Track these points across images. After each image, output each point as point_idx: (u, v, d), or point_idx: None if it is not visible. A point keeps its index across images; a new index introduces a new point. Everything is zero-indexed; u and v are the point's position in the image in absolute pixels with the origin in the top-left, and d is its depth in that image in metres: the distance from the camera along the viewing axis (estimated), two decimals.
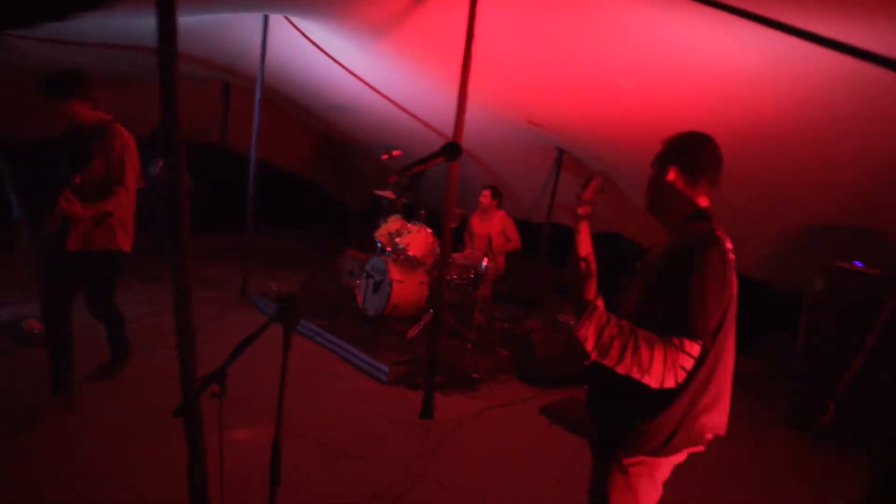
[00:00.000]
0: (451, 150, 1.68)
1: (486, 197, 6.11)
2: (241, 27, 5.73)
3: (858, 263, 4.66)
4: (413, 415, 4.05)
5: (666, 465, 1.78)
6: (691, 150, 1.81)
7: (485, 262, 5.62)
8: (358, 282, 5.89)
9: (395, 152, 5.63)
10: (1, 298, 5.22)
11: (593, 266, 1.77)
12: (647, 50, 3.84)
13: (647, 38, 3.70)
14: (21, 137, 6.03)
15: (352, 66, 6.09)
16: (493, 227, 6.07)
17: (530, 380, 4.89)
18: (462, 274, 5.66)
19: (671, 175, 1.80)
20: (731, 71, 3.57)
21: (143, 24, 5.07)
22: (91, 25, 5.02)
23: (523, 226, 6.75)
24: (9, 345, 4.38)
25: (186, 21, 5.27)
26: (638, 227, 7.01)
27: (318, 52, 5.96)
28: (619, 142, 5.36)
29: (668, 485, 1.85)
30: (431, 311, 5.40)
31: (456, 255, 5.87)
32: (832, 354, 4.44)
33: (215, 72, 7.42)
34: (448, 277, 5.57)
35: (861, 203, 4.50)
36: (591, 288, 1.74)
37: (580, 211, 1.80)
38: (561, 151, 6.73)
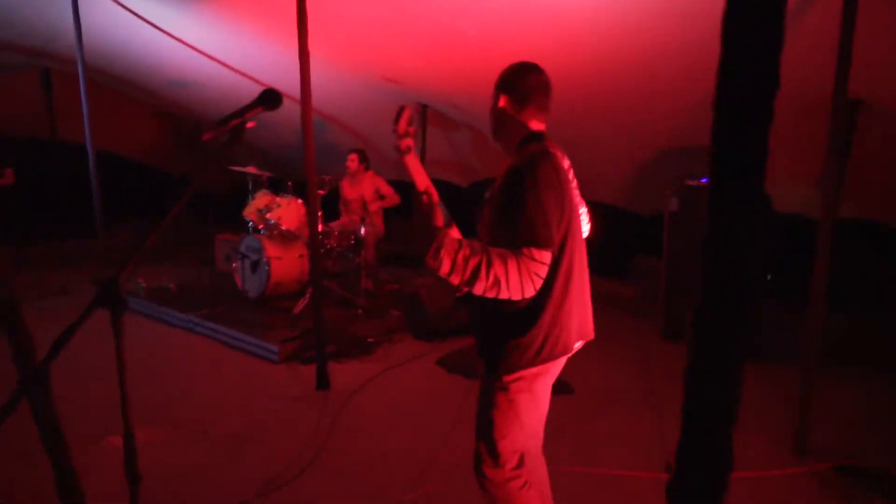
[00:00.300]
0: (270, 97, 1.55)
1: (353, 161, 5.97)
2: (49, 2, 5.10)
3: (705, 180, 5.08)
4: (309, 388, 3.95)
5: (542, 379, 1.87)
6: (517, 78, 1.93)
7: (363, 227, 5.52)
8: (235, 264, 5.59)
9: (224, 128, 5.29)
10: None
11: (435, 197, 1.79)
12: None
13: None
14: None
15: (185, 37, 5.64)
16: (364, 190, 5.96)
17: (424, 336, 4.93)
18: (342, 241, 5.53)
19: (502, 101, 1.93)
20: (575, 10, 3.67)
21: None
22: None
23: (396, 185, 6.69)
24: None
25: None
26: None
27: (144, 24, 5.45)
28: (476, 91, 5.42)
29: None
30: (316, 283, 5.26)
31: (333, 224, 5.72)
32: (690, 267, 4.85)
33: (29, 57, 6.60)
34: (329, 246, 5.44)
35: (701, 123, 4.89)
36: (438, 217, 1.77)
37: (402, 145, 1.76)
38: (424, 106, 6.69)
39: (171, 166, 8.86)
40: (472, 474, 1.96)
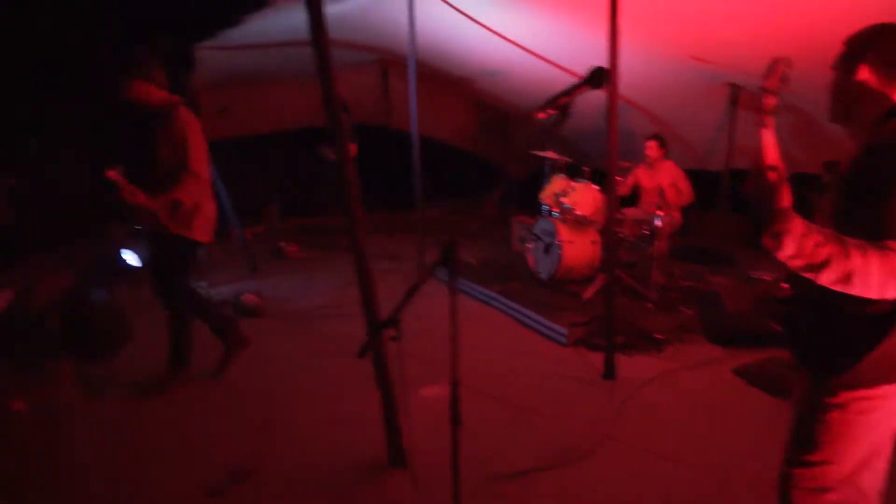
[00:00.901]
0: (597, 76, 1.55)
1: (652, 148, 5.74)
2: (387, 7, 5.92)
3: None
4: (595, 375, 3.99)
5: (893, 402, 1.58)
6: (886, 42, 1.59)
7: (659, 216, 5.30)
8: (529, 245, 5.89)
9: (551, 110, 5.47)
10: (225, 279, 6.02)
11: (784, 174, 1.55)
12: None
13: None
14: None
15: (500, 29, 6.03)
16: (662, 179, 5.70)
17: (719, 340, 4.55)
18: (635, 230, 5.41)
19: (863, 73, 1.61)
20: None
21: (299, 19, 5.47)
22: (260, 27, 5.49)
23: (697, 175, 6.25)
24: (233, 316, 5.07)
25: (338, 9, 5.60)
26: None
27: (465, 19, 5.98)
28: (810, 65, 4.72)
29: None
30: (609, 270, 5.26)
31: (627, 211, 5.61)
32: None
33: (371, 55, 7.78)
34: (622, 235, 5.37)
35: None
36: (785, 196, 1.50)
37: (766, 103, 1.53)
38: (735, 87, 6.10)
39: (480, 149, 9.69)
40: (774, 499, 1.78)
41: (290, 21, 5.44)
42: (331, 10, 5.56)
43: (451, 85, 8.16)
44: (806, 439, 1.68)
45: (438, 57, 6.86)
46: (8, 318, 4.24)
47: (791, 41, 4.39)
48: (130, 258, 5.82)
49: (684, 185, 5.69)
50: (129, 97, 3.25)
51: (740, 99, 6.06)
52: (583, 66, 6.09)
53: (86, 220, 6.20)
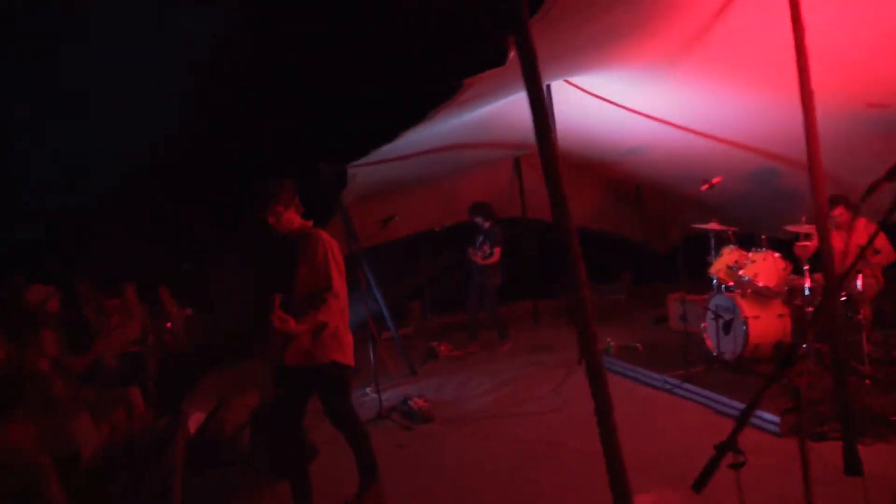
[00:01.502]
0: None
1: (841, 215, 5.17)
2: (517, 103, 6.02)
3: None
4: (832, 471, 3.40)
5: None
6: None
7: (859, 280, 4.71)
8: (703, 324, 5.43)
9: (715, 180, 5.17)
10: (386, 383, 6.01)
11: None
12: None
13: None
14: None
15: (639, 106, 5.93)
16: (858, 238, 5.08)
17: None
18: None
19: None
20: None
21: (443, 127, 5.66)
22: (406, 139, 5.74)
23: (889, 230, 5.56)
24: (401, 421, 4.99)
25: (478, 114, 5.76)
26: None
27: (603, 102, 5.96)
28: None
29: None
30: (805, 345, 4.69)
31: (817, 276, 5.05)
32: None
33: (504, 151, 7.92)
34: (817, 302, 4.80)
35: None
36: None
37: None
38: None
39: (616, 229, 9.42)
40: None
41: (431, 130, 5.68)
42: (469, 116, 5.76)
43: (583, 167, 8.07)
44: None
45: (574, 142, 6.84)
46: (201, 439, 4.40)
47: None
48: None
49: (882, 244, 5.05)
50: (271, 224, 3.35)
51: None
52: (728, 130, 5.82)
53: (249, 340, 6.54)
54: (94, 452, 3.70)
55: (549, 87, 5.74)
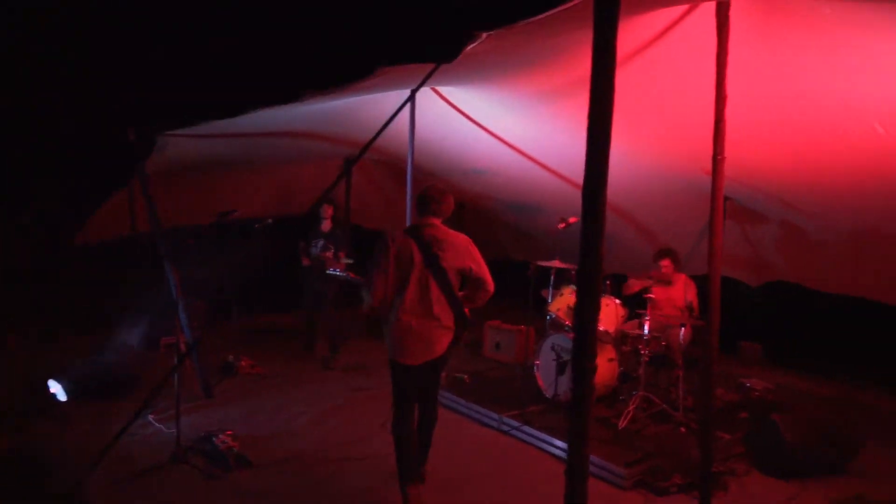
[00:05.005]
0: None
1: (667, 267, 5.51)
2: (379, 103, 5.49)
3: None
4: None
5: None
6: None
7: (682, 331, 5.04)
8: (536, 363, 5.37)
9: (572, 219, 5.15)
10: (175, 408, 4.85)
11: None
12: None
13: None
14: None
15: (499, 130, 5.77)
16: (678, 291, 5.47)
17: (776, 472, 4.22)
18: (654, 347, 5.08)
19: None
20: None
21: (293, 112, 4.88)
22: (249, 119, 4.81)
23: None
24: (206, 466, 3.98)
25: (332, 104, 5.06)
26: (820, 274, 6.32)
27: (461, 117, 5.68)
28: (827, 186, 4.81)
29: None
30: (639, 393, 4.85)
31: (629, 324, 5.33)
32: None
33: (342, 148, 7.22)
34: (641, 350, 5.00)
35: None
36: None
37: None
38: (725, 199, 6.16)
39: None
40: None
41: (275, 114, 4.81)
42: (325, 105, 4.99)
43: (423, 178, 7.69)
44: None
45: (425, 152, 6.42)
46: None
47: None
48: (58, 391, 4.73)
49: (695, 297, 5.50)
50: None
51: (728, 210, 6.09)
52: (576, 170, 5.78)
53: None
54: None
55: (413, 93, 5.26)
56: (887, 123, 3.75)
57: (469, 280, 3.60)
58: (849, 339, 6.90)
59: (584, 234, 1.90)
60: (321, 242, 6.48)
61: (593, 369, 1.97)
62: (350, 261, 6.04)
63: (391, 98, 5.35)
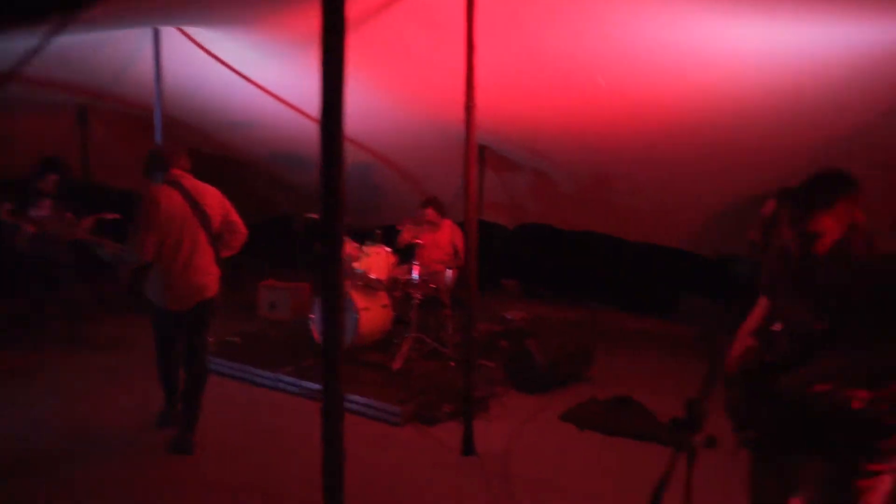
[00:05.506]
0: None
1: (431, 215, 5.72)
2: (121, 43, 4.83)
3: None
4: (451, 453, 3.74)
5: None
6: None
7: (449, 273, 5.36)
8: (311, 316, 5.31)
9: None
10: None
11: None
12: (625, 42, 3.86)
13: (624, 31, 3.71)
14: None
15: (257, 77, 5.44)
16: (444, 236, 5.75)
17: (529, 389, 4.77)
18: (424, 290, 5.34)
19: None
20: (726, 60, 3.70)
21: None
22: None
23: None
24: None
25: (59, 42, 4.32)
26: (565, 214, 7.17)
27: (215, 64, 5.24)
28: (569, 137, 5.40)
29: None
30: (412, 335, 5.06)
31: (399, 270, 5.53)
32: None
33: (76, 97, 6.22)
34: (414, 294, 5.22)
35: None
36: None
37: None
38: (482, 147, 6.61)
39: None
40: None
41: None
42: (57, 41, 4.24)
43: (182, 133, 6.96)
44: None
45: (180, 104, 5.80)
46: None
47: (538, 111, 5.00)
48: None
49: (460, 242, 5.83)
50: None
51: (486, 157, 6.55)
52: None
53: None
54: None
55: (157, 31, 4.68)
56: (607, 77, 4.29)
57: (225, 225, 3.76)
58: (592, 270, 8.01)
59: (324, 179, 1.81)
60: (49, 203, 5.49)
61: (339, 308, 1.94)
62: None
63: (132, 37, 4.74)
